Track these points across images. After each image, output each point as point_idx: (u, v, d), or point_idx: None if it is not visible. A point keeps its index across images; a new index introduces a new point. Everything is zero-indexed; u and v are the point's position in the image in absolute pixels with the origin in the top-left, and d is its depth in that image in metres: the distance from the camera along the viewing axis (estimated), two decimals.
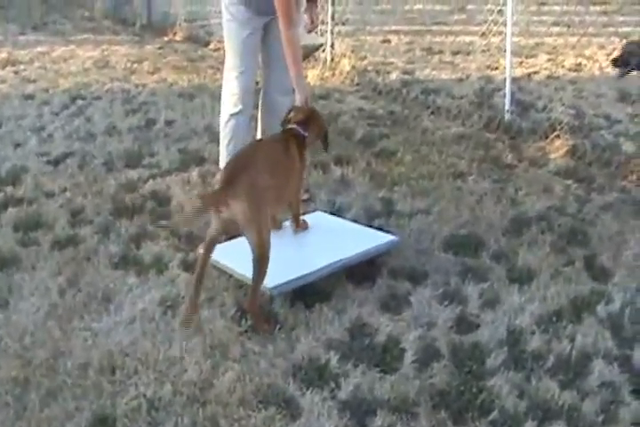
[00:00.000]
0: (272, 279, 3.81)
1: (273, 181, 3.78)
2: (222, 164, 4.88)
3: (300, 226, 4.42)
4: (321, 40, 5.71)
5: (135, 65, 9.28)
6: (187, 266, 4.24)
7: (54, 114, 7.22)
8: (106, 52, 10.07)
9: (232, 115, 4.93)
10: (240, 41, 4.83)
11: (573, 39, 10.09)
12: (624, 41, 6.30)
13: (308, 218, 4.60)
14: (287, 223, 4.49)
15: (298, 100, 4.52)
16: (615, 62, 5.76)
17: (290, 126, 4.25)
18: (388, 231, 4.48)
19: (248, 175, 3.63)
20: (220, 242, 3.84)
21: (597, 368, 3.39)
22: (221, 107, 5.01)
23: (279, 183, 3.90)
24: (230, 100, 4.92)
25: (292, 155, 4.12)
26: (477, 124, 6.58)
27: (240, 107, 4.88)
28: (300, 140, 4.20)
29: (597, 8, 12.62)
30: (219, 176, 3.91)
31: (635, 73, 5.92)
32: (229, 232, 3.90)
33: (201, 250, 3.94)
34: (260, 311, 3.73)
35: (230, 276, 4.05)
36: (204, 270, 3.72)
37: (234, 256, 4.10)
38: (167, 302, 3.90)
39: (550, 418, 3.10)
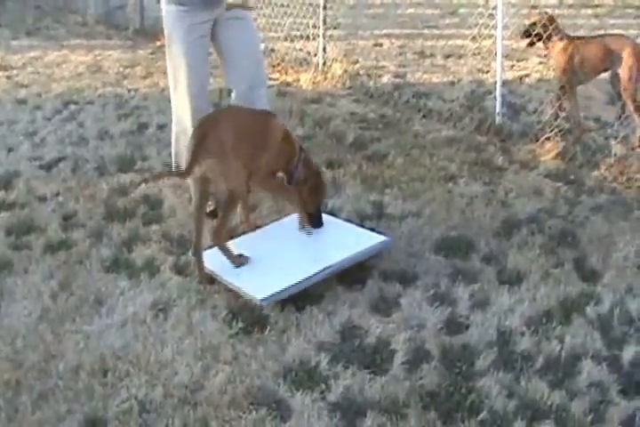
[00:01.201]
0: (262, 290, 3.84)
1: (242, 144, 4.02)
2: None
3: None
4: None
5: (127, 70, 9.29)
6: (178, 269, 4.27)
7: (47, 119, 7.22)
8: (98, 57, 10.07)
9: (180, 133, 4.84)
10: (186, 48, 4.69)
11: None
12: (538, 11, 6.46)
13: (297, 216, 4.59)
14: (272, 225, 4.52)
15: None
16: (525, 33, 6.31)
17: None
18: (380, 232, 4.50)
19: (216, 135, 3.95)
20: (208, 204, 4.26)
21: (586, 369, 3.42)
22: (173, 123, 4.92)
23: (249, 151, 4.09)
24: (182, 120, 4.81)
25: (273, 126, 4.33)
26: (468, 127, 6.60)
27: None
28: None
29: (589, 11, 12.66)
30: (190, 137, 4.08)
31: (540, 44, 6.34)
32: (205, 190, 4.10)
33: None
34: (226, 246, 3.99)
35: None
36: (201, 235, 4.07)
37: (220, 262, 4.13)
38: (159, 304, 3.93)
39: (539, 418, 3.13)
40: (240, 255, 4.13)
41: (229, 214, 4.06)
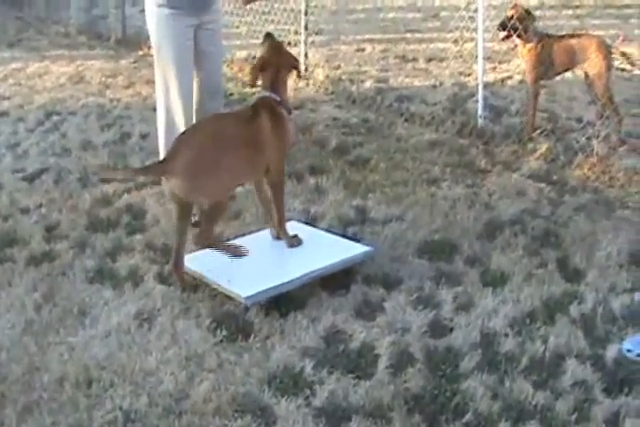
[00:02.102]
0: (247, 289, 3.87)
1: (221, 156, 3.91)
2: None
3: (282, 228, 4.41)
4: None
5: (110, 79, 9.28)
6: (162, 279, 4.26)
7: (29, 130, 7.21)
8: (80, 68, 10.06)
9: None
10: (177, 52, 4.76)
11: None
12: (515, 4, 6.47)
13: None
14: (263, 232, 4.52)
15: None
16: (502, 26, 6.23)
17: (262, 95, 4.29)
18: (362, 241, 4.51)
19: (188, 151, 3.86)
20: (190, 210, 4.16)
21: (570, 368, 3.43)
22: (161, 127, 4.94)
23: (232, 159, 3.98)
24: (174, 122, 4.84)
25: (258, 126, 4.13)
26: (451, 130, 6.61)
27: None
28: (275, 107, 4.23)
29: (570, 12, 12.71)
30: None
31: (516, 39, 6.31)
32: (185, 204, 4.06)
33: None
34: (220, 241, 4.09)
35: (205, 287, 4.07)
36: (182, 248, 4.10)
37: (205, 264, 4.15)
38: (143, 314, 3.92)
39: (524, 418, 3.14)
40: (236, 247, 4.13)
41: (212, 224, 4.03)
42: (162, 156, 4.81)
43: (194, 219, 4.41)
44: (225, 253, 4.08)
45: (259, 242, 4.45)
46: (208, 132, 4.07)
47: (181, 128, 4.68)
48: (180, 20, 4.70)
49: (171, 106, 4.83)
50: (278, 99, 4.24)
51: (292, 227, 4.64)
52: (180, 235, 4.10)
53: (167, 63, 4.76)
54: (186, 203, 4.02)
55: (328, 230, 4.68)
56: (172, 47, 4.73)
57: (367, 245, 4.41)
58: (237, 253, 4.10)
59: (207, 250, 4.17)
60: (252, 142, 4.11)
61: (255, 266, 4.13)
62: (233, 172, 4.02)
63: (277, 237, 4.43)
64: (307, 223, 4.76)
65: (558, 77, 7.44)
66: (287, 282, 3.97)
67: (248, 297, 3.82)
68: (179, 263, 4.12)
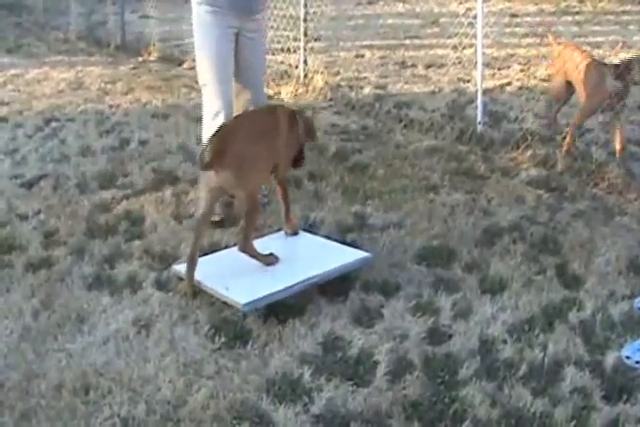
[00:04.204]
0: (244, 296, 3.85)
1: (258, 149, 4.13)
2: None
3: (292, 222, 4.64)
4: None
5: (109, 86, 9.29)
6: (160, 285, 4.26)
7: (28, 136, 7.21)
8: (80, 74, 10.06)
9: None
10: (216, 54, 4.81)
11: (545, 50, 10.18)
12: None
13: (281, 234, 4.62)
14: (260, 240, 4.52)
15: None
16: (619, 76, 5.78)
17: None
18: (360, 248, 4.50)
19: (233, 146, 4.00)
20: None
21: (569, 375, 3.42)
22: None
23: (265, 152, 4.22)
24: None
25: (279, 125, 4.39)
26: (450, 136, 6.62)
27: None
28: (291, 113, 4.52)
29: (569, 18, 12.73)
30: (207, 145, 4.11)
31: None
32: (217, 200, 4.31)
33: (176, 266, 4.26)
34: (255, 250, 4.13)
35: (203, 293, 4.06)
36: (198, 246, 4.11)
37: (203, 271, 4.14)
38: (141, 321, 3.91)
39: (523, 426, 3.13)
40: (269, 255, 4.22)
41: (253, 221, 4.14)
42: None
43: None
44: (259, 261, 4.17)
45: (258, 247, 4.45)
46: (246, 128, 4.25)
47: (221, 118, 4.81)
48: (221, 19, 4.74)
49: (213, 109, 4.90)
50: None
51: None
52: (199, 233, 4.16)
53: (206, 62, 4.82)
54: (215, 201, 4.23)
55: (327, 236, 4.68)
56: (213, 47, 4.79)
57: (365, 251, 4.40)
58: (268, 262, 4.19)
59: (206, 259, 4.26)
60: (279, 140, 4.37)
61: (253, 273, 4.12)
62: (268, 167, 4.30)
63: (292, 233, 4.62)
64: (304, 229, 4.76)
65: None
66: (285, 288, 3.95)
67: (246, 304, 3.82)
68: (193, 261, 4.11)
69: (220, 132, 4.13)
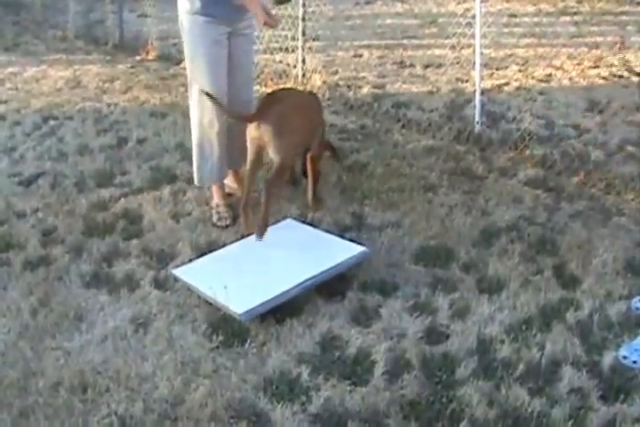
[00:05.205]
0: (242, 304, 3.84)
1: (299, 120, 4.65)
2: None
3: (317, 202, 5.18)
4: None
5: (107, 84, 9.26)
6: (158, 284, 4.27)
7: (26, 134, 7.20)
8: (78, 72, 10.03)
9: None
10: (210, 63, 4.81)
11: (543, 50, 10.20)
12: None
13: (278, 227, 4.63)
14: (250, 238, 4.53)
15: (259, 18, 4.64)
16: None
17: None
18: (359, 242, 4.50)
19: (279, 106, 4.57)
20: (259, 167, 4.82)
21: (566, 375, 3.43)
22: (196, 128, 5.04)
23: (304, 126, 4.74)
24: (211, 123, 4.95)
25: (318, 107, 5.19)
26: (448, 136, 6.61)
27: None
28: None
29: (567, 18, 12.72)
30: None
31: None
32: (260, 150, 4.68)
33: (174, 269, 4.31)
34: (267, 218, 4.50)
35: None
36: (250, 192, 4.70)
37: (199, 275, 4.16)
38: (139, 319, 3.92)
39: (520, 425, 3.15)
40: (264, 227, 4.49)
41: (280, 178, 4.65)
42: (195, 169, 5.14)
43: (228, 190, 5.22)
44: (261, 221, 4.48)
45: (254, 247, 4.45)
46: (291, 99, 4.87)
47: (215, 140, 4.94)
48: (215, 28, 4.74)
49: (205, 118, 4.90)
50: None
51: (289, 226, 4.67)
52: (249, 181, 4.71)
53: (201, 73, 4.80)
54: (258, 154, 4.66)
55: (326, 230, 4.70)
56: (207, 57, 4.77)
57: (363, 245, 4.41)
58: (259, 232, 4.46)
59: (203, 261, 4.36)
60: (316, 120, 5.06)
61: (250, 276, 4.12)
62: (305, 137, 4.81)
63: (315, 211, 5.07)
64: (303, 221, 4.80)
65: (555, 84, 7.48)
66: (283, 293, 3.93)
67: (244, 313, 3.80)
68: (247, 206, 4.64)
69: (270, 96, 4.79)
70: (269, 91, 4.97)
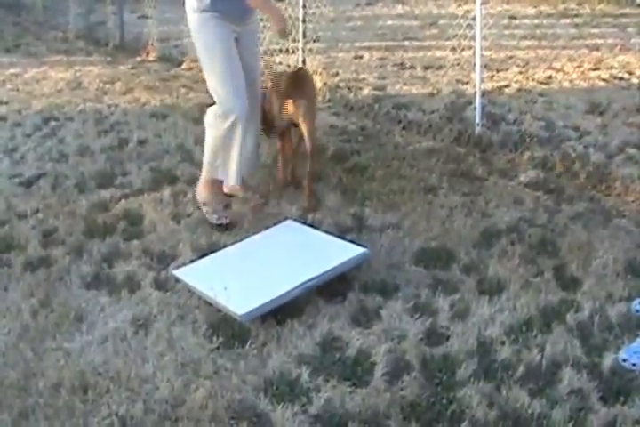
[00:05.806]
0: (243, 306, 3.83)
1: (314, 92, 5.70)
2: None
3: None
4: None
5: (108, 85, 9.28)
6: (159, 285, 4.27)
7: (26, 135, 7.21)
8: (78, 73, 10.05)
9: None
10: (227, 53, 4.81)
11: (543, 52, 10.21)
12: None
13: (278, 228, 4.64)
14: (250, 239, 4.54)
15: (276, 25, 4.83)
16: None
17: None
18: (359, 244, 4.49)
19: (308, 84, 5.42)
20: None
21: (567, 376, 3.42)
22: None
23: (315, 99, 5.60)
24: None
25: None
26: (448, 138, 6.61)
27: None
28: None
29: (567, 20, 12.74)
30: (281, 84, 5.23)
31: None
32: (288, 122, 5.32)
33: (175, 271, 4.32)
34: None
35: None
36: (288, 153, 5.59)
37: (200, 276, 4.15)
38: (139, 320, 3.92)
39: None
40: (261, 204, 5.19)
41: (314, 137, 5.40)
42: (205, 169, 5.14)
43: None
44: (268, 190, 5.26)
45: (255, 249, 4.46)
46: (308, 75, 5.75)
47: (239, 131, 4.88)
48: (225, 25, 4.75)
49: (230, 111, 4.82)
50: None
51: (290, 227, 4.67)
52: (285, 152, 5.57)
53: (221, 68, 4.79)
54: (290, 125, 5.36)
55: (326, 231, 4.70)
56: (223, 49, 4.77)
57: (363, 246, 4.41)
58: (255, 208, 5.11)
59: (204, 262, 4.37)
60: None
61: (251, 278, 4.12)
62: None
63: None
64: (303, 223, 4.80)
65: (555, 86, 7.49)
66: (283, 295, 3.92)
67: (245, 314, 3.80)
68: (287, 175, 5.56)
69: (296, 75, 5.42)
70: (287, 72, 5.81)
